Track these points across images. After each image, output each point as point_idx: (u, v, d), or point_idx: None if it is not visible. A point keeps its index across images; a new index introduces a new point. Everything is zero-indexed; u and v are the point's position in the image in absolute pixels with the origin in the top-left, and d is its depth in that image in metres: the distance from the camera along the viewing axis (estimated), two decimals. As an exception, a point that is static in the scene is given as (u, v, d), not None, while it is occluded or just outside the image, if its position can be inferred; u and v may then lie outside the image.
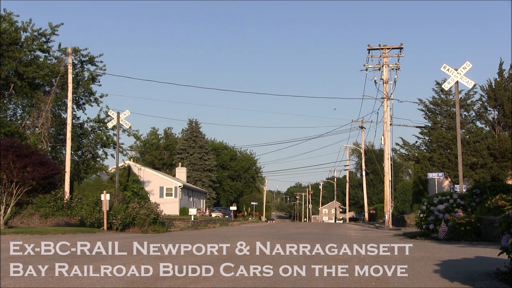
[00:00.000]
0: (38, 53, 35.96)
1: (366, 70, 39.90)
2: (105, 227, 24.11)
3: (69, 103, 33.55)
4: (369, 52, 39.70)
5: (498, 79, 39.51)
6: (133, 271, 8.07)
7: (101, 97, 38.88)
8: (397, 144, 63.08)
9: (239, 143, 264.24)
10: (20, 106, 37.29)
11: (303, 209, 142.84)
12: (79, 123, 39.42)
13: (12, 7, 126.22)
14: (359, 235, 22.66)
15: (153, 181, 56.66)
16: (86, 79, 37.84)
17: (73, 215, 27.12)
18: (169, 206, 54.25)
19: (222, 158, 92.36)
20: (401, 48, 39.59)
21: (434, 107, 42.63)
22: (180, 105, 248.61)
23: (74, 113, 36.58)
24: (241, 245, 14.61)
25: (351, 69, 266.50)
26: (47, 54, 36.27)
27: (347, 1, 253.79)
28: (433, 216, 18.82)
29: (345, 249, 12.73)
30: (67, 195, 29.82)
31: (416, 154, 43.45)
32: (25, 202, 22.97)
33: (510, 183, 30.16)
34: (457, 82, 23.15)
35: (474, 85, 34.58)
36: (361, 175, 73.70)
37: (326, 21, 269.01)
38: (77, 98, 38.12)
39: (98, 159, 40.26)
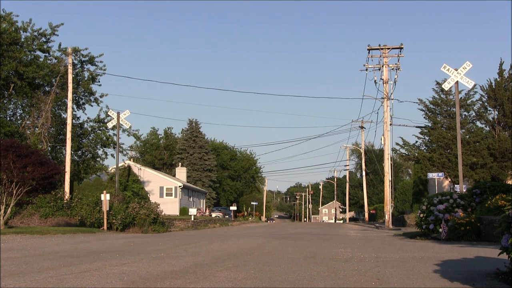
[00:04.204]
0: (38, 53, 35.96)
1: (366, 70, 39.91)
2: (105, 227, 24.11)
3: (69, 103, 33.55)
4: (369, 52, 39.71)
5: (498, 79, 39.49)
6: (133, 271, 8.07)
7: (101, 97, 38.88)
8: (397, 144, 63.05)
9: (239, 143, 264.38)
10: (20, 106, 37.28)
11: (303, 209, 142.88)
12: (79, 123, 39.38)
13: (12, 7, 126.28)
14: (359, 235, 22.67)
15: (153, 181, 56.68)
16: (86, 79, 37.80)
17: (73, 215, 27.12)
18: (169, 206, 54.28)
19: (222, 158, 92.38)
20: (401, 48, 39.60)
21: (434, 107, 42.62)
22: (180, 105, 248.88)
23: (74, 113, 36.56)
24: (241, 245, 14.64)
25: (351, 69, 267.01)
26: (47, 54, 36.27)
27: (347, 1, 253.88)
28: (433, 216, 18.84)
29: (345, 249, 12.76)
30: (67, 195, 29.82)
31: (416, 154, 43.42)
32: (25, 202, 22.98)
33: (510, 183, 30.15)
34: (457, 82, 23.15)
35: (474, 85, 34.61)
36: (361, 175, 73.71)
37: (326, 21, 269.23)
38: (77, 98, 38.09)
39: (98, 159, 40.23)
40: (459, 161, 23.72)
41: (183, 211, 55.15)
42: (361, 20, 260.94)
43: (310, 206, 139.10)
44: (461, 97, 39.20)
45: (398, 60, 39.49)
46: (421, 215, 19.83)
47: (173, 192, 58.36)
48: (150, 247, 13.41)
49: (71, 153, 34.66)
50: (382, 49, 39.58)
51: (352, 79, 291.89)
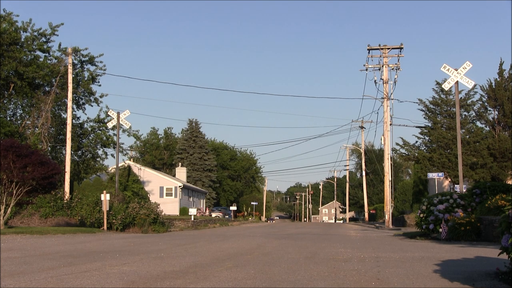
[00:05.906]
0: (38, 53, 35.97)
1: (366, 70, 39.91)
2: (105, 227, 24.10)
3: (69, 103, 33.55)
4: (369, 52, 39.71)
5: (498, 79, 39.46)
6: (133, 271, 8.07)
7: (101, 97, 38.91)
8: (397, 144, 63.09)
9: (239, 143, 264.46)
10: (20, 106, 37.29)
11: (303, 209, 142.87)
12: (79, 123, 39.40)
13: (12, 7, 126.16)
14: (359, 235, 22.66)
15: (153, 181, 56.67)
16: (86, 79, 37.82)
17: (73, 215, 27.12)
18: (169, 206, 54.26)
19: (222, 158, 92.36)
20: (401, 48, 39.61)
21: (434, 107, 42.60)
22: (180, 105, 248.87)
23: (74, 113, 36.58)
24: (241, 245, 14.63)
25: (351, 69, 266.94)
26: (47, 54, 36.28)
27: (347, 1, 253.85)
28: (433, 216, 18.84)
29: (345, 249, 12.76)
30: (67, 195, 29.82)
31: (416, 154, 43.41)
32: (25, 202, 22.97)
33: (510, 183, 30.14)
34: (457, 82, 23.15)
35: (474, 85, 34.60)
36: (361, 175, 73.69)
37: (326, 21, 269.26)
38: (77, 98, 38.10)
39: (98, 159, 40.25)
40: (459, 161, 23.72)
41: (183, 211, 55.14)
42: (361, 20, 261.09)
43: (310, 206, 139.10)
44: (461, 97, 39.19)
45: (398, 60, 39.54)
46: (421, 215, 19.83)
47: (173, 192, 58.35)
48: (150, 247, 13.40)
49: (71, 153, 34.66)
50: (382, 49, 39.58)
51: (352, 79, 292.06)
